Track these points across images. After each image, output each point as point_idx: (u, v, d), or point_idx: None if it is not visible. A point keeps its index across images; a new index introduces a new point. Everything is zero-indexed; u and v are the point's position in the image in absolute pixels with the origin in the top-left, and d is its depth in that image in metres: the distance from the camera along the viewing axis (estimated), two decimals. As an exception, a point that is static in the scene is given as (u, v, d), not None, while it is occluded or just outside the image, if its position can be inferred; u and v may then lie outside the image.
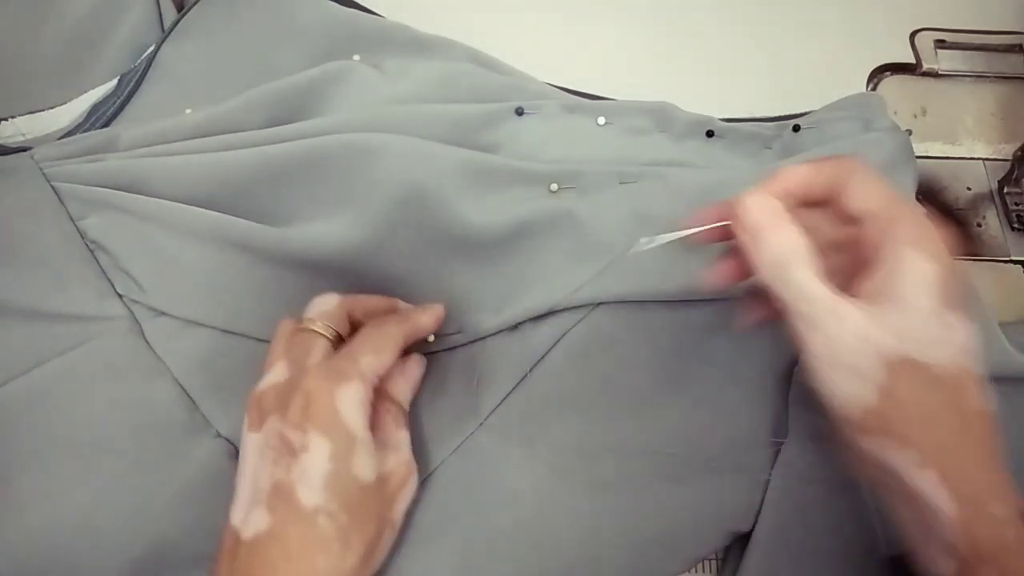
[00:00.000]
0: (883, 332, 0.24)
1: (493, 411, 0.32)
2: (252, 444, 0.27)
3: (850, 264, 0.26)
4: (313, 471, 0.25)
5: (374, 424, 0.28)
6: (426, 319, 0.32)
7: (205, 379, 0.33)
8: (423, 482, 0.31)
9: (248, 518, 0.25)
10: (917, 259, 0.24)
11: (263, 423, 0.27)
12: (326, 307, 0.30)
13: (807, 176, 0.27)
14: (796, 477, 0.31)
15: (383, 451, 0.28)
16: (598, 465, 0.31)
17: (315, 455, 0.25)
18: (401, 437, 0.29)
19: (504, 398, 0.33)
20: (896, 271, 0.24)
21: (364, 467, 0.26)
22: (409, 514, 0.30)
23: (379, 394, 0.29)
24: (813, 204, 0.27)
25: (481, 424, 0.32)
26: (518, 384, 0.33)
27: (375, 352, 0.28)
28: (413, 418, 0.32)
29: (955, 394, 0.24)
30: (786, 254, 0.25)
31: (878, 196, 0.26)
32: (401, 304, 0.33)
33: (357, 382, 0.27)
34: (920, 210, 0.26)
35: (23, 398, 0.31)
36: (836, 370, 0.25)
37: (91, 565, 0.29)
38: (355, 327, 0.31)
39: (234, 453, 0.32)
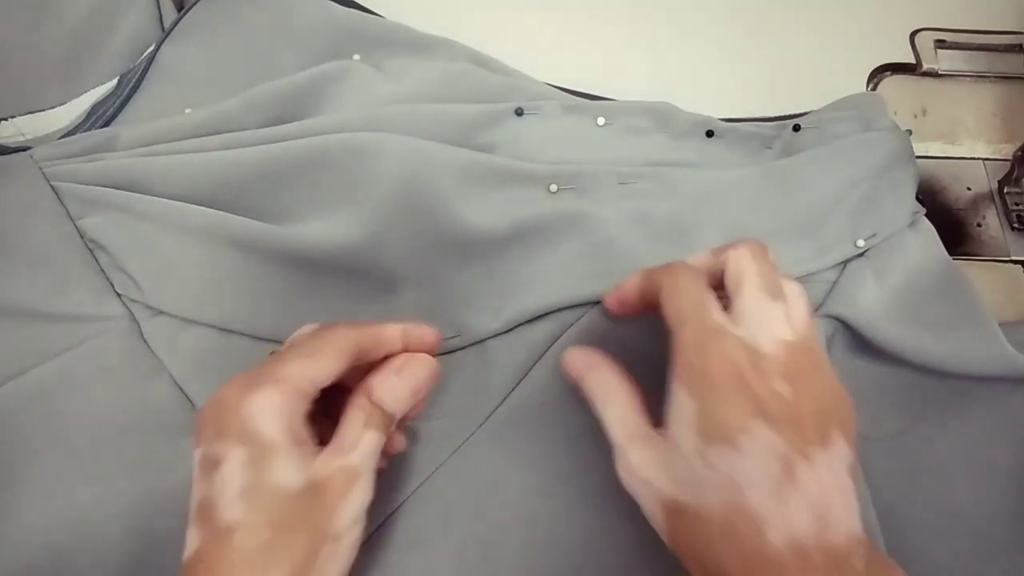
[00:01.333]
0: (660, 475, 0.24)
1: (492, 412, 0.32)
2: (194, 461, 0.25)
3: None
4: (229, 484, 0.23)
5: (340, 422, 0.26)
6: (391, 332, 0.28)
7: (203, 378, 0.33)
8: (421, 485, 0.31)
9: (187, 541, 0.24)
10: (679, 395, 0.24)
11: (200, 441, 0.25)
12: (299, 332, 0.29)
13: (640, 286, 0.28)
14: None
15: (331, 452, 0.25)
16: (597, 464, 0.31)
17: (230, 465, 0.23)
18: (364, 439, 0.26)
19: (503, 399, 0.33)
20: (670, 408, 0.25)
21: (284, 475, 0.24)
22: (408, 518, 0.30)
23: (357, 391, 0.27)
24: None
25: (480, 426, 0.32)
26: (517, 385, 0.33)
27: (305, 357, 0.26)
28: (410, 421, 0.32)
29: (720, 535, 0.23)
30: (594, 399, 0.27)
31: (674, 314, 0.26)
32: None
33: (271, 387, 0.24)
34: (707, 330, 0.25)
35: (22, 398, 0.31)
36: (641, 507, 0.25)
37: (89, 564, 0.29)
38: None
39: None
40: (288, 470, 0.24)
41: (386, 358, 0.29)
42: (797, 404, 0.24)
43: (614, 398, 0.27)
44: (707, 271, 0.28)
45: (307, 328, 0.29)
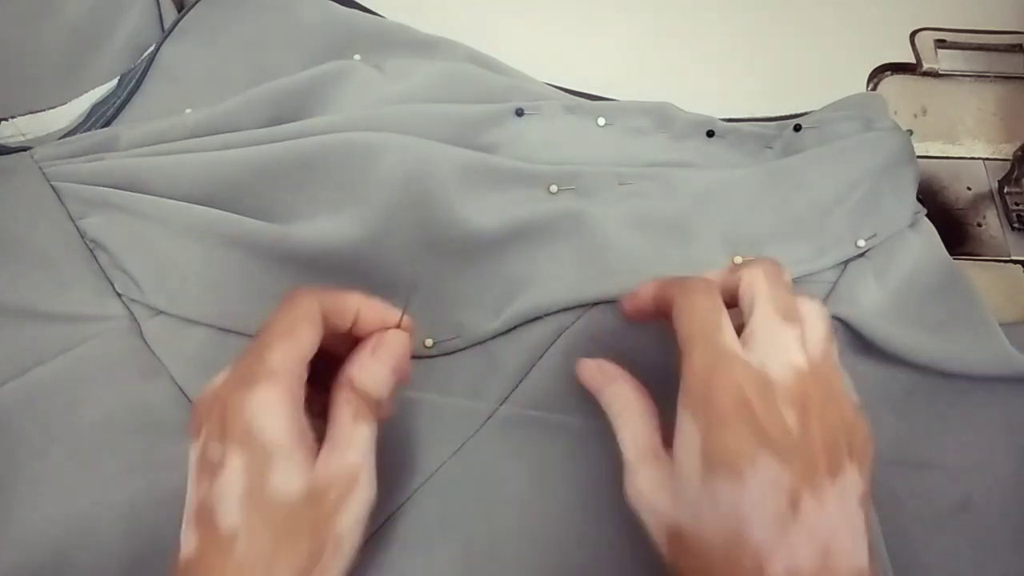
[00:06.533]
0: (665, 498, 0.24)
1: (493, 413, 0.32)
2: (190, 459, 0.24)
3: None
4: (229, 489, 0.23)
5: (329, 419, 0.25)
6: (351, 300, 0.27)
7: (203, 379, 0.32)
8: (423, 484, 0.31)
9: (184, 540, 0.23)
10: (685, 420, 0.24)
11: (199, 432, 0.24)
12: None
13: (653, 295, 0.28)
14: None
15: (328, 453, 0.24)
16: (599, 464, 0.31)
17: (230, 471, 0.23)
18: (357, 435, 0.25)
19: (504, 399, 0.33)
20: (676, 433, 0.24)
21: (285, 481, 0.23)
22: (410, 518, 0.30)
23: (340, 383, 0.26)
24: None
25: (481, 426, 0.32)
26: (518, 385, 0.33)
27: (285, 337, 0.24)
28: (412, 421, 0.32)
29: (719, 565, 0.23)
30: (611, 412, 0.27)
31: (684, 332, 0.25)
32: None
33: (267, 384, 0.23)
34: (717, 354, 0.24)
35: (21, 399, 0.31)
36: (645, 526, 0.25)
37: (88, 565, 0.29)
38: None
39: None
40: (290, 475, 0.23)
41: (356, 340, 0.28)
42: (806, 434, 0.23)
43: (630, 414, 0.27)
44: (723, 287, 0.27)
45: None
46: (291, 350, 0.24)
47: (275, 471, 0.23)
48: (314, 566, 0.23)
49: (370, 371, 0.26)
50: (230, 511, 0.22)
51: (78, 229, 0.35)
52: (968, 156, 0.43)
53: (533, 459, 0.32)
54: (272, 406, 0.23)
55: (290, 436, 0.24)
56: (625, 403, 0.27)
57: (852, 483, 0.23)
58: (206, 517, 0.23)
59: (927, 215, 0.38)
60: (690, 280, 0.27)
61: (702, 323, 0.25)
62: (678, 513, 0.24)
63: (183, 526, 0.24)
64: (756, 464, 0.22)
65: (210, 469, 0.23)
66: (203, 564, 0.22)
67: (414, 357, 0.34)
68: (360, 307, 0.27)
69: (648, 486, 0.25)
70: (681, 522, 0.24)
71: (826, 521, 0.22)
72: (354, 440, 0.25)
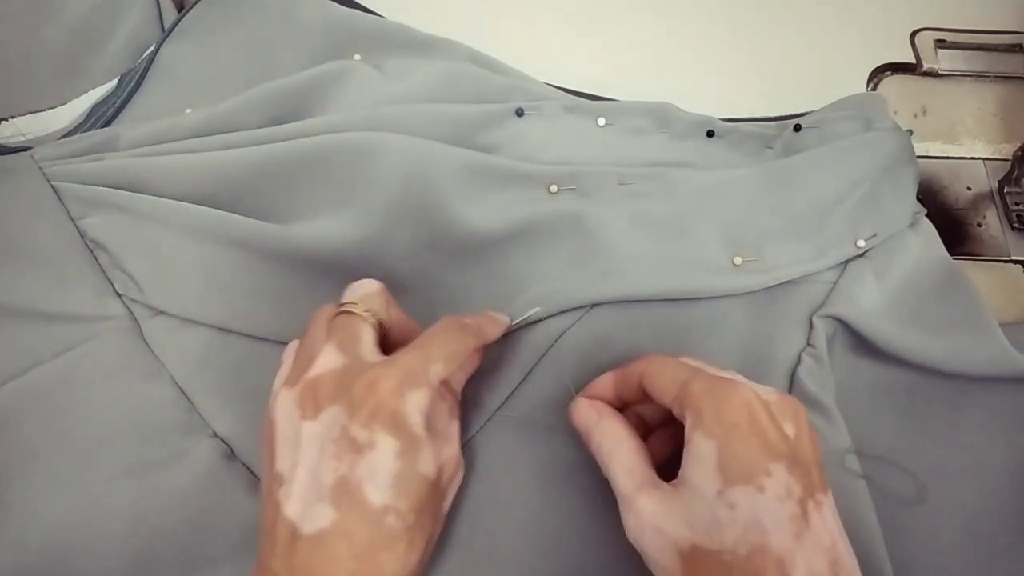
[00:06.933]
0: (674, 522, 0.25)
1: (494, 413, 0.32)
2: (309, 434, 0.25)
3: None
4: (381, 469, 0.25)
5: (430, 415, 0.28)
6: (493, 330, 0.31)
7: (202, 379, 0.33)
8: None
9: (309, 513, 0.25)
10: (697, 441, 0.25)
11: (319, 412, 0.26)
12: (368, 290, 0.30)
13: (613, 382, 0.30)
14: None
15: (438, 443, 0.27)
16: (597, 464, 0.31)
17: (383, 453, 0.25)
18: (453, 429, 0.29)
19: (506, 399, 0.33)
20: (687, 455, 0.25)
21: (426, 466, 0.26)
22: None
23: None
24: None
25: (483, 426, 0.32)
26: (519, 385, 0.33)
27: (447, 361, 0.28)
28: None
29: (748, 573, 0.23)
30: (601, 451, 0.28)
31: (668, 384, 0.27)
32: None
33: (425, 390, 0.27)
34: (714, 379, 0.26)
35: (21, 398, 0.31)
36: (646, 559, 0.26)
37: (88, 565, 0.29)
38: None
39: (230, 454, 0.32)
40: (428, 462, 0.26)
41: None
42: (803, 449, 0.25)
43: (621, 449, 0.27)
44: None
45: (371, 283, 0.30)
46: (445, 372, 0.28)
47: (421, 457, 0.26)
48: (433, 541, 0.28)
49: (459, 378, 0.31)
50: (381, 489, 0.25)
51: (78, 229, 0.35)
52: (968, 156, 0.43)
53: (533, 460, 0.32)
54: (423, 407, 0.27)
55: (425, 431, 0.27)
56: (617, 439, 0.28)
57: (832, 500, 0.25)
58: (351, 493, 0.25)
59: (927, 215, 0.38)
60: (650, 354, 0.29)
61: (684, 367, 0.27)
62: (693, 533, 0.24)
63: (301, 502, 0.25)
64: (773, 475, 0.24)
65: (354, 449, 0.25)
66: (348, 535, 0.24)
67: None
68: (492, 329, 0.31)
69: (652, 513, 0.25)
70: (697, 541, 0.24)
71: (829, 532, 0.24)
72: (451, 434, 0.29)
